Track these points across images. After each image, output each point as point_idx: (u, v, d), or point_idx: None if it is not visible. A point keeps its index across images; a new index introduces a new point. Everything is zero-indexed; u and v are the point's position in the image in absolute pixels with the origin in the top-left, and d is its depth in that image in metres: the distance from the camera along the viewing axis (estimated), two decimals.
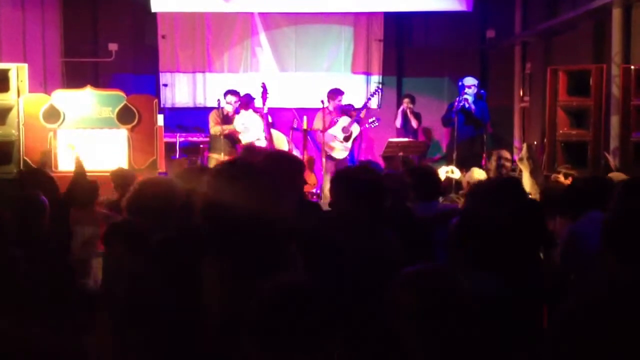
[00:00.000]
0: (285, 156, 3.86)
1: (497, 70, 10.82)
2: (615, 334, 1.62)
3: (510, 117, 10.66)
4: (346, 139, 8.74)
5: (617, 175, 4.86)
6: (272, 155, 3.74)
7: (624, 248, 1.95)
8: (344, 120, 8.74)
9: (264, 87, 8.39)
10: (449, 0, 9.94)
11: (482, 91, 8.68)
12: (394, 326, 1.93)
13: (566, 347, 1.73)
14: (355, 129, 8.77)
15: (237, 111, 8.50)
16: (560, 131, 6.77)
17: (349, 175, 3.07)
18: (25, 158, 6.64)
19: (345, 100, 9.02)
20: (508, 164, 5.26)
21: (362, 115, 8.88)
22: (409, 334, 1.89)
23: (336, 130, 8.73)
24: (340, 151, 8.76)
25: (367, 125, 8.88)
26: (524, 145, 7.42)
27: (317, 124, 8.76)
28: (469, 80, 8.43)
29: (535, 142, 8.99)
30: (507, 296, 2.48)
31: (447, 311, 1.87)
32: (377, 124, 8.84)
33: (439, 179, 4.60)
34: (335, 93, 8.79)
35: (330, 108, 8.74)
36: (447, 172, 5.16)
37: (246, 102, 8.64)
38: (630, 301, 1.64)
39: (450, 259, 2.59)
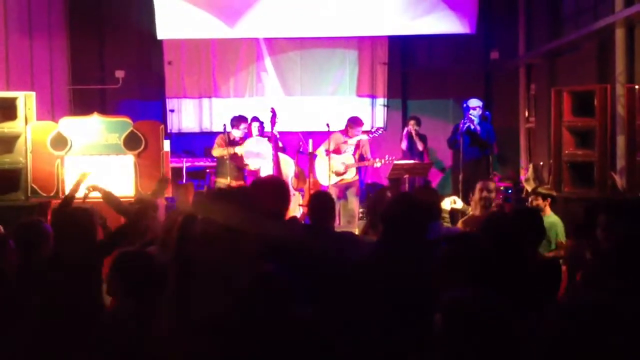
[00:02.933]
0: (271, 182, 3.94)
1: (501, 92, 10.85)
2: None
3: (516, 138, 10.66)
4: (337, 174, 8.43)
5: None
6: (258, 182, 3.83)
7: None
8: (347, 159, 8.48)
9: (273, 112, 8.35)
10: (452, 23, 10.01)
11: (486, 113, 8.69)
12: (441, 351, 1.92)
13: None
14: (350, 173, 8.49)
15: (246, 136, 8.51)
16: (566, 151, 6.74)
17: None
18: (33, 185, 6.67)
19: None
20: (492, 195, 5.20)
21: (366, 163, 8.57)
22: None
23: (336, 162, 8.44)
24: (326, 180, 8.45)
25: (371, 135, 8.80)
26: (530, 166, 7.44)
27: (325, 144, 8.58)
28: (474, 102, 8.44)
29: (541, 163, 8.99)
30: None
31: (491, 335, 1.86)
32: (381, 132, 8.79)
33: (439, 199, 4.60)
34: (354, 123, 8.49)
35: (350, 135, 8.47)
36: (450, 202, 5.13)
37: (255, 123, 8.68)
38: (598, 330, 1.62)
39: (443, 279, 2.60)
